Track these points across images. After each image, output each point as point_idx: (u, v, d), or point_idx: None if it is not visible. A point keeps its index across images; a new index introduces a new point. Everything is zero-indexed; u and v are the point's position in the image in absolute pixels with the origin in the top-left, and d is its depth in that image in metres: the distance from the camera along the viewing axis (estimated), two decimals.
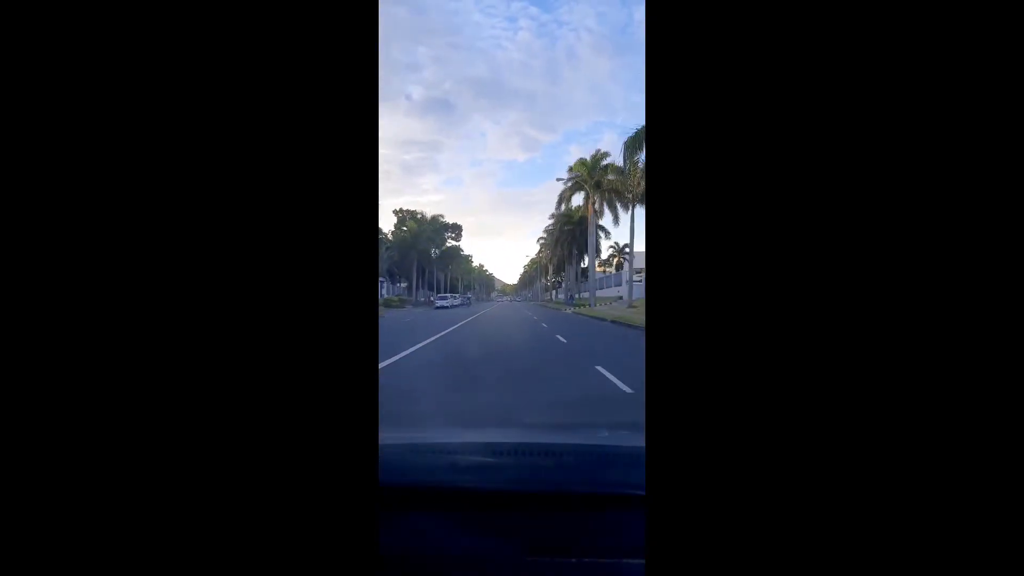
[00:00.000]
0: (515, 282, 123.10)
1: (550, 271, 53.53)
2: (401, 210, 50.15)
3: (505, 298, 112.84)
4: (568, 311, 25.49)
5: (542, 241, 51.87)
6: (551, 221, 40.97)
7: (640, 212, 23.46)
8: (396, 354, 7.39)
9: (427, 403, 4.15)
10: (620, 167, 23.67)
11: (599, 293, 31.78)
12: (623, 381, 5.10)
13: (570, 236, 36.55)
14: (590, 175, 27.57)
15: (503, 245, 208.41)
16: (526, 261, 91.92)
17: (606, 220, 28.46)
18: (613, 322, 15.38)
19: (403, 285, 50.71)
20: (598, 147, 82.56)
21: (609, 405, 4.17)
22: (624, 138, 19.90)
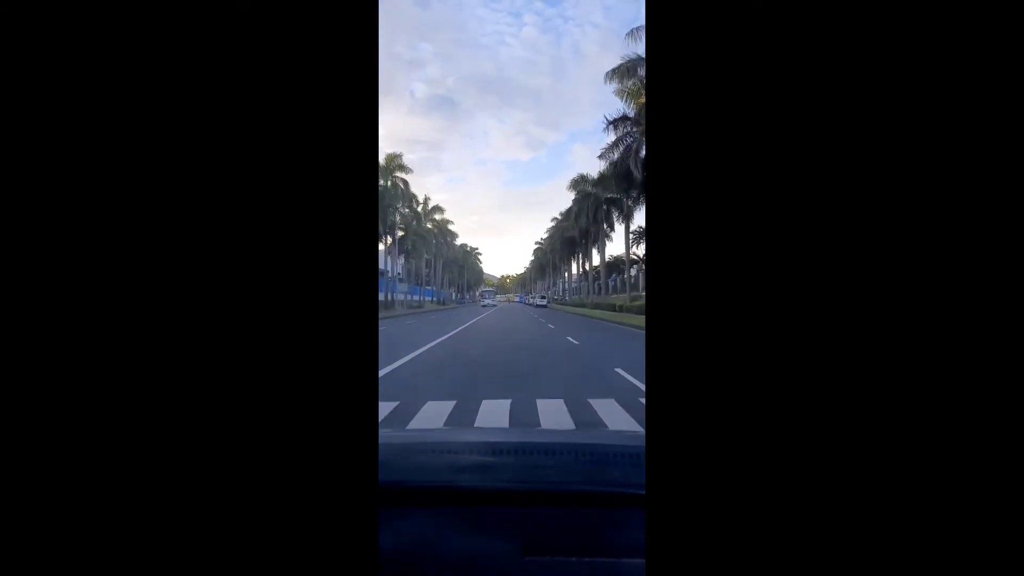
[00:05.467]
0: (521, 272, 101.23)
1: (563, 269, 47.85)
2: None
3: (501, 298, 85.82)
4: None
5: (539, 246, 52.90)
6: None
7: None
8: None
9: None
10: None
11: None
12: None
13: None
14: None
15: (507, 244, 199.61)
16: (529, 260, 75.94)
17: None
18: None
19: None
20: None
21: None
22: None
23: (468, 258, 65.73)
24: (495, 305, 47.82)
